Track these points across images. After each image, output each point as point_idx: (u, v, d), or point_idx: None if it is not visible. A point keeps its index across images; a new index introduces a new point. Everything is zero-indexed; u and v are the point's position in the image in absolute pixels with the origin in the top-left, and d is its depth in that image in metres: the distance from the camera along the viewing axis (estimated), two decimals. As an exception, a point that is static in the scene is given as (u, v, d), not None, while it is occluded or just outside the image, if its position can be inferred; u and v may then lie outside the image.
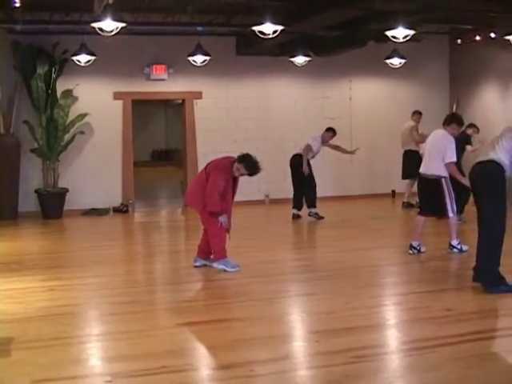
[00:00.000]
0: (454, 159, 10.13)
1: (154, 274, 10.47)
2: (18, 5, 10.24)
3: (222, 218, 9.30)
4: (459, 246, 10.37)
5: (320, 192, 16.80)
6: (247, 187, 15.58)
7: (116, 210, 16.41)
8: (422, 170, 10.49)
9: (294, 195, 14.73)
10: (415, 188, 14.57)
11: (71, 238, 13.98)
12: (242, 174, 9.52)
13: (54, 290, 8.59)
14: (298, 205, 14.63)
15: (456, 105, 18.30)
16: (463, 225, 12.42)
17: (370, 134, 18.31)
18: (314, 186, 14.67)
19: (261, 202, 16.77)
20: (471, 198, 8.56)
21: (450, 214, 10.26)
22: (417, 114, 16.14)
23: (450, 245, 10.46)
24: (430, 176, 10.28)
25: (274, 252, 11.25)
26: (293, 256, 10.99)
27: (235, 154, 15.60)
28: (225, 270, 9.39)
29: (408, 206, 15.82)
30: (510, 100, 16.60)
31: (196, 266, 9.67)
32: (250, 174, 9.57)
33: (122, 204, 16.51)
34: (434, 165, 10.26)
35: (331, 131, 14.75)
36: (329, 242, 11.93)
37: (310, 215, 14.45)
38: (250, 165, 9.44)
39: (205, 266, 9.64)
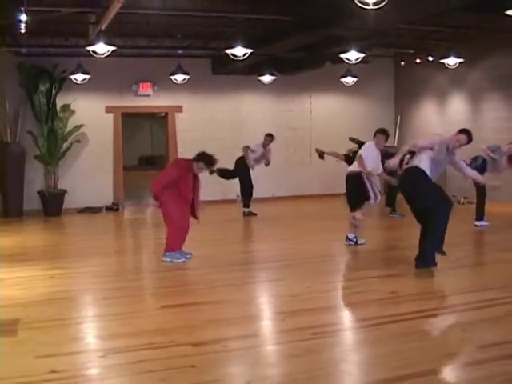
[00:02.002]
0: (362, 155, 10.18)
1: (141, 263, 10.46)
2: (23, 31, 10.19)
3: (155, 203, 9.40)
4: (355, 240, 10.37)
5: (283, 192, 16.92)
6: (221, 189, 15.70)
7: (108, 209, 16.35)
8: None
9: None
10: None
11: (69, 232, 13.90)
12: (203, 170, 9.46)
13: (54, 278, 8.55)
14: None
15: (400, 117, 18.42)
16: (401, 219, 12.62)
17: (328, 142, 18.25)
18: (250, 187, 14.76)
19: (233, 202, 16.73)
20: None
21: (372, 198, 10.21)
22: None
23: (347, 237, 10.45)
24: (352, 172, 10.34)
25: (243, 244, 11.26)
26: (260, 248, 10.98)
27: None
28: (171, 261, 9.33)
29: None
30: (445, 113, 16.74)
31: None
32: (210, 167, 9.52)
33: (113, 203, 16.45)
34: (354, 163, 10.40)
35: (269, 136, 14.68)
36: (291, 236, 11.93)
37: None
38: (207, 160, 9.38)
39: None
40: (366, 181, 10.10)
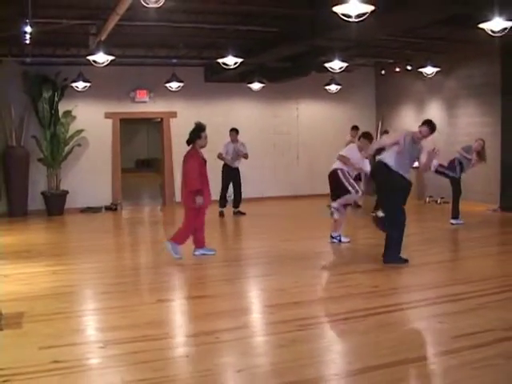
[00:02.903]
0: (343, 153, 10.30)
1: (138, 259, 10.44)
2: (28, 41, 10.18)
3: (199, 199, 9.17)
4: (338, 238, 10.36)
5: (272, 192, 16.91)
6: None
7: (107, 208, 16.31)
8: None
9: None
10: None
11: (71, 231, 13.87)
12: (206, 139, 9.52)
13: (56, 274, 8.54)
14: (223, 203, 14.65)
15: (381, 122, 18.46)
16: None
17: (313, 146, 18.39)
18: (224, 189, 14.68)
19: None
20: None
21: (351, 191, 10.12)
22: (354, 129, 16.08)
23: (331, 236, 10.43)
24: (331, 170, 10.35)
25: (233, 242, 11.27)
26: (250, 245, 10.99)
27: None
28: (168, 252, 9.36)
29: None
30: (423, 119, 16.70)
31: (195, 255, 9.56)
32: (204, 130, 9.59)
33: (112, 203, 16.41)
34: (335, 162, 10.40)
35: (233, 131, 14.61)
36: (279, 234, 11.94)
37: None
38: (200, 129, 9.55)
39: (204, 254, 9.53)
40: (342, 177, 10.13)
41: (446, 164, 12.15)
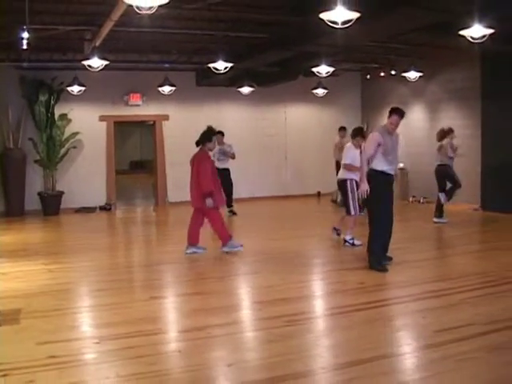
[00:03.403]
0: (347, 162, 10.10)
1: (132, 258, 10.44)
2: (25, 47, 10.15)
3: (209, 202, 9.20)
4: (351, 241, 10.03)
5: (261, 192, 16.90)
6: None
7: (101, 208, 16.27)
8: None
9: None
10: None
11: (66, 230, 13.82)
12: (216, 144, 9.62)
13: (52, 272, 8.52)
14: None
15: (366, 125, 18.47)
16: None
17: (301, 147, 18.42)
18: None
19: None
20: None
21: (352, 212, 10.07)
22: (342, 130, 16.16)
23: (344, 240, 10.13)
24: (339, 179, 10.32)
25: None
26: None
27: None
28: (230, 251, 9.46)
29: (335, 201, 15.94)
30: (406, 121, 16.68)
31: (187, 254, 9.51)
32: (215, 133, 9.80)
33: (106, 203, 16.37)
34: (341, 171, 10.34)
35: (219, 134, 14.34)
36: (268, 232, 11.95)
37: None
38: (211, 132, 9.66)
39: (194, 252, 9.50)
40: (349, 192, 10.04)
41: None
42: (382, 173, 8.17)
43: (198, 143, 9.57)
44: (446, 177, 12.39)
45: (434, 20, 9.12)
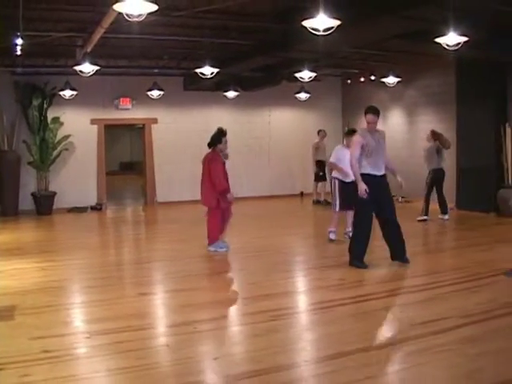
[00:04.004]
0: (331, 160, 10.22)
1: (122, 256, 10.40)
2: (19, 53, 10.11)
3: (230, 196, 9.40)
4: (332, 235, 10.12)
5: (245, 192, 16.88)
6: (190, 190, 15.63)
7: (93, 208, 16.19)
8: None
9: None
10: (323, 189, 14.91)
11: (59, 229, 13.75)
12: (227, 144, 9.62)
13: (46, 269, 8.47)
14: None
15: (347, 128, 18.52)
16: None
17: (284, 149, 18.43)
18: None
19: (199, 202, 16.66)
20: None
21: (336, 209, 10.14)
22: (320, 132, 16.31)
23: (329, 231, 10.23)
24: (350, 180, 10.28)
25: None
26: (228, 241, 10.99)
27: (183, 165, 15.57)
28: (216, 251, 9.42)
29: (317, 202, 15.96)
30: (386, 124, 16.81)
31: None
32: (225, 135, 9.66)
33: (97, 203, 16.30)
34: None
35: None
36: (252, 231, 11.94)
37: None
38: (221, 133, 9.60)
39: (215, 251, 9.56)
40: (336, 190, 10.11)
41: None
42: (368, 175, 7.98)
43: (209, 145, 9.55)
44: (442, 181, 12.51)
45: (411, 28, 9.16)
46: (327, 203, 15.10)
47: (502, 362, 4.63)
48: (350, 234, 9.78)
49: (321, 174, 15.88)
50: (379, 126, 8.52)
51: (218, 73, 12.24)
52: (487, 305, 6.19)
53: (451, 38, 8.70)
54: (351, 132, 9.99)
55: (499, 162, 12.87)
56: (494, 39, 10.49)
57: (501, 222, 11.51)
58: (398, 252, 8.22)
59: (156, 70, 15.13)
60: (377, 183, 8.03)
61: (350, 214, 9.60)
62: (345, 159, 9.68)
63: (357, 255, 8.12)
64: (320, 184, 16.06)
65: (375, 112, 8.17)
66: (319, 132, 16.29)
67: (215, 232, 9.56)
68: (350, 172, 8.73)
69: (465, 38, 8.72)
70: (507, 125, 12.79)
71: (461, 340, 5.11)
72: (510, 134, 12.71)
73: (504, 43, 10.74)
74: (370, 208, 8.03)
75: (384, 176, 8.21)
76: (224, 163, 9.55)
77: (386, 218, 8.16)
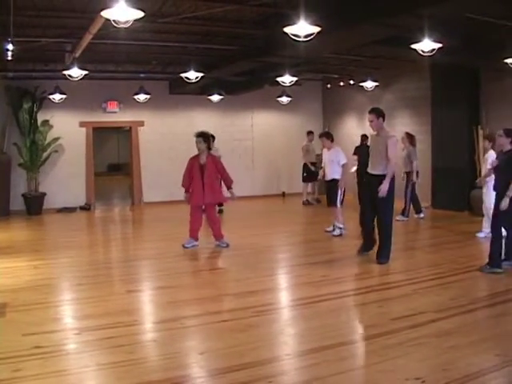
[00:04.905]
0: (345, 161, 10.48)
1: (110, 254, 10.36)
2: (10, 58, 10.06)
3: (232, 193, 9.85)
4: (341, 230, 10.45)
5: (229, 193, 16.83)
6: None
7: (81, 208, 16.11)
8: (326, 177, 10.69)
9: None
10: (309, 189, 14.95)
11: (49, 229, 13.69)
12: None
13: (37, 268, 8.44)
14: None
15: (328, 130, 18.59)
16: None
17: (267, 151, 18.44)
18: None
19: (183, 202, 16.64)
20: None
21: (338, 205, 10.38)
22: (310, 134, 16.33)
23: (336, 227, 10.49)
24: (331, 178, 10.48)
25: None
26: (210, 240, 10.95)
27: (168, 167, 15.52)
28: (227, 246, 9.69)
29: (307, 203, 15.94)
30: (364, 127, 16.84)
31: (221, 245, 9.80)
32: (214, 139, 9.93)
33: (85, 204, 16.23)
34: (331, 170, 10.46)
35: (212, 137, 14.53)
36: (236, 230, 11.93)
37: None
38: (207, 136, 9.95)
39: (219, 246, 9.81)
40: (339, 189, 10.42)
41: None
42: (366, 173, 8.48)
43: (209, 149, 9.82)
44: None
45: (388, 34, 9.22)
46: (318, 202, 15.18)
47: (473, 354, 4.69)
48: (334, 233, 10.18)
49: (308, 174, 15.79)
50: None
51: (202, 77, 12.27)
52: (461, 300, 6.27)
53: (426, 45, 8.79)
54: (324, 134, 10.86)
55: (472, 163, 12.97)
56: (467, 46, 10.62)
57: (474, 220, 11.59)
58: (368, 246, 8.64)
59: (142, 75, 15.10)
60: (368, 181, 8.43)
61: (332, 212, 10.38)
62: (325, 159, 10.11)
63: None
64: (310, 184, 16.11)
65: (371, 111, 8.56)
66: (308, 134, 16.28)
67: (220, 227, 9.90)
68: (327, 171, 10.16)
69: (439, 45, 8.82)
70: (479, 127, 12.91)
71: (436, 333, 5.17)
72: (483, 135, 12.82)
73: (476, 49, 10.90)
74: (363, 205, 8.62)
75: (376, 176, 8.28)
76: None
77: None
